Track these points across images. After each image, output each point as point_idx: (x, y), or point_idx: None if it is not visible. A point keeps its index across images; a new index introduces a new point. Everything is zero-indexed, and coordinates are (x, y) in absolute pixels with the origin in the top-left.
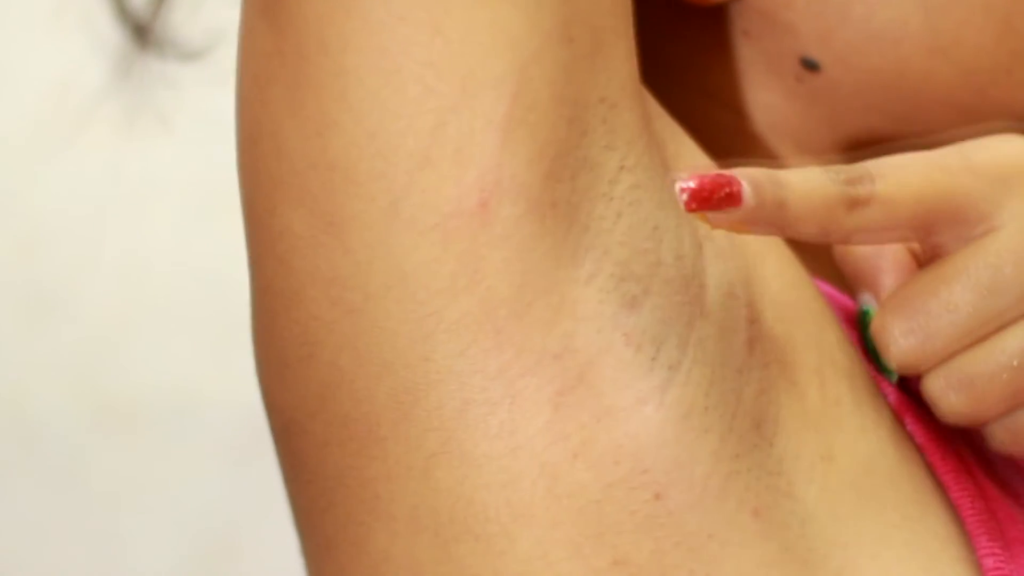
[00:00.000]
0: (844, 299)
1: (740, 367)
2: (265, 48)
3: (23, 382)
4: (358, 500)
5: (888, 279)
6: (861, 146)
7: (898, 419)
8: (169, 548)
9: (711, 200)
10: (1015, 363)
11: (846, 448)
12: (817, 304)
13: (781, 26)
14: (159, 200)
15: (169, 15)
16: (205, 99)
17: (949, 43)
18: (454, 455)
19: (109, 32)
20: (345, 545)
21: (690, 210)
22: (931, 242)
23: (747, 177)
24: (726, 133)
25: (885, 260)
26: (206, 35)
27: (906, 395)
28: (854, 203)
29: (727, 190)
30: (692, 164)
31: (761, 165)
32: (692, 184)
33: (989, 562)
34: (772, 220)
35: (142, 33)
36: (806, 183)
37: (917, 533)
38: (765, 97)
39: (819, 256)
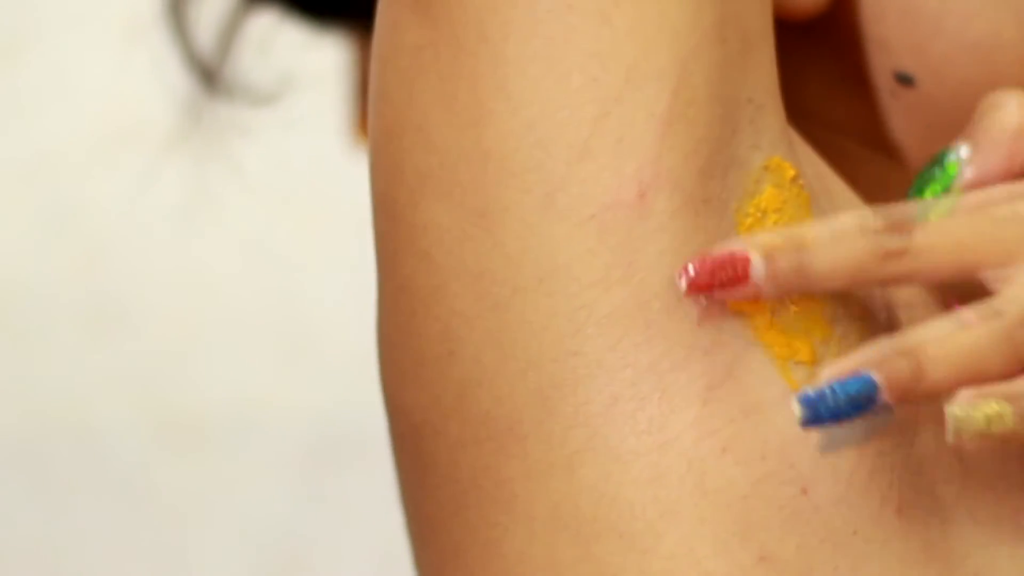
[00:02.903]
0: None
1: None
2: (416, 42)
3: (87, 396)
4: (493, 501)
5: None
6: None
7: None
8: (236, 563)
9: (712, 286)
10: None
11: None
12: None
13: (874, 41)
14: (223, 211)
15: (236, 60)
16: (272, 131)
17: None
18: (599, 451)
19: (176, 65)
20: (477, 548)
21: (689, 296)
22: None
23: (760, 247)
24: (822, 150)
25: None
26: (276, 79)
27: None
28: (888, 255)
29: (730, 272)
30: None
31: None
32: (691, 271)
33: None
34: (789, 288)
35: (210, 78)
36: (834, 240)
37: None
38: (860, 113)
39: None
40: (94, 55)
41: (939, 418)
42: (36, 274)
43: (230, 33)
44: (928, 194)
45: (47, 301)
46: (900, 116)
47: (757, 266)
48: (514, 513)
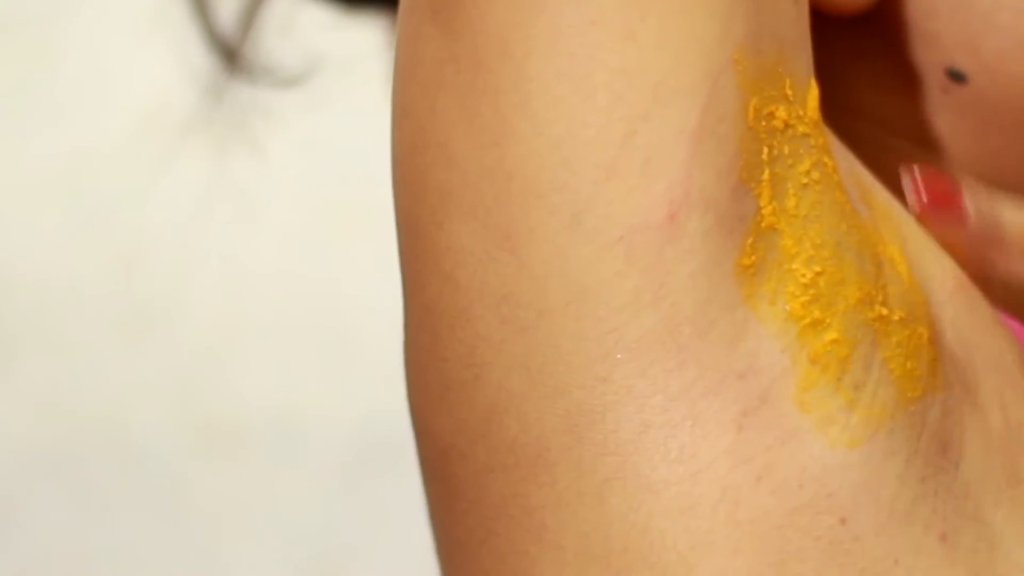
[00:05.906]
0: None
1: (924, 388)
2: (436, 55)
3: (123, 401)
4: (522, 529)
5: None
6: (1009, 159)
7: None
8: (276, 572)
9: (947, 201)
10: None
11: None
12: (994, 325)
13: (925, 36)
14: (262, 214)
15: (259, 40)
16: (303, 118)
17: None
18: (630, 480)
19: (201, 54)
20: None
21: (926, 211)
22: None
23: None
24: (872, 148)
25: None
26: (302, 61)
27: None
28: None
29: (947, 187)
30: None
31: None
32: (923, 192)
33: None
34: (987, 249)
35: (232, 58)
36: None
37: None
38: (910, 110)
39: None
40: (125, 53)
41: (986, 441)
42: (71, 277)
43: (252, 11)
44: None
45: (82, 304)
46: (951, 114)
47: (967, 203)
48: (543, 542)
